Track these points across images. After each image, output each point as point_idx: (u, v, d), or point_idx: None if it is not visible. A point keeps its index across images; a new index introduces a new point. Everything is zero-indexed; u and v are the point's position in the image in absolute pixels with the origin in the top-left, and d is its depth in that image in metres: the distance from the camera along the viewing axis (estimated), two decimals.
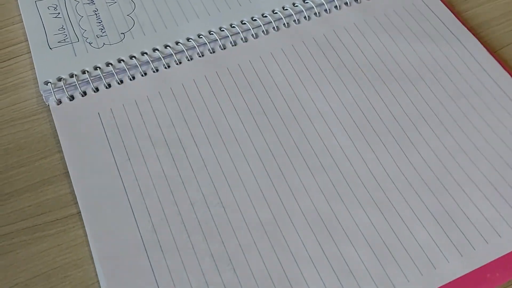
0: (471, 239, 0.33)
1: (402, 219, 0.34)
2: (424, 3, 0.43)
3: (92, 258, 0.33)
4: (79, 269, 0.33)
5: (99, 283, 0.32)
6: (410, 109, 0.38)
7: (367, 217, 0.34)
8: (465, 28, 0.42)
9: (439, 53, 0.41)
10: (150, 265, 0.32)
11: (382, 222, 0.33)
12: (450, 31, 0.42)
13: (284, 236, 0.33)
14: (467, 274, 0.32)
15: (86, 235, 0.34)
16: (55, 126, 0.38)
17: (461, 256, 0.33)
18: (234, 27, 0.42)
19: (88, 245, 0.33)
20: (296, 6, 0.43)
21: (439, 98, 0.38)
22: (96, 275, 0.32)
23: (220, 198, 0.34)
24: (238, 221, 0.33)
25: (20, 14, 0.44)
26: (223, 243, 0.33)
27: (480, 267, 0.32)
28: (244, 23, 0.42)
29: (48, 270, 0.33)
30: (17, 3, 0.44)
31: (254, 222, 0.33)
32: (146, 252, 0.32)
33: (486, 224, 0.34)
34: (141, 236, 0.33)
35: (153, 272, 0.32)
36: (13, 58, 0.42)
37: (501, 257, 0.33)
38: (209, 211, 0.34)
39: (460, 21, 0.42)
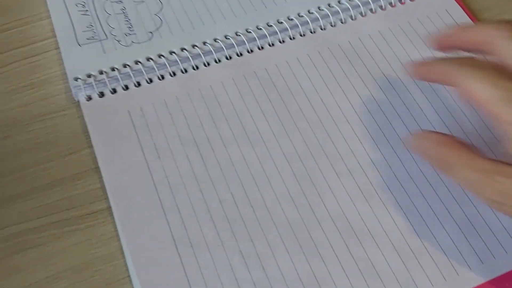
0: (491, 247, 0.34)
1: (426, 223, 0.34)
2: (448, 12, 0.43)
3: (122, 253, 0.33)
4: (110, 263, 0.33)
5: (129, 278, 0.33)
6: (433, 117, 0.39)
7: (393, 221, 0.34)
8: None
9: None
10: (181, 260, 0.32)
11: (407, 226, 0.34)
12: None
13: (312, 236, 0.34)
14: (487, 282, 0.33)
15: (115, 230, 0.34)
16: (84, 122, 0.38)
17: (482, 263, 0.33)
18: (260, 29, 0.42)
19: (118, 240, 0.34)
20: (322, 10, 0.43)
21: (461, 107, 0.39)
22: (127, 269, 0.33)
23: (248, 198, 0.35)
24: (266, 220, 0.34)
25: (48, 11, 0.44)
26: (252, 241, 0.33)
27: (499, 276, 0.33)
28: (270, 26, 0.43)
29: (78, 263, 0.33)
30: None
31: (282, 222, 0.34)
32: (176, 248, 0.33)
33: (504, 233, 0.34)
34: (171, 232, 0.33)
35: (184, 268, 0.32)
36: (41, 54, 0.42)
37: None
38: (238, 209, 0.34)
39: None
